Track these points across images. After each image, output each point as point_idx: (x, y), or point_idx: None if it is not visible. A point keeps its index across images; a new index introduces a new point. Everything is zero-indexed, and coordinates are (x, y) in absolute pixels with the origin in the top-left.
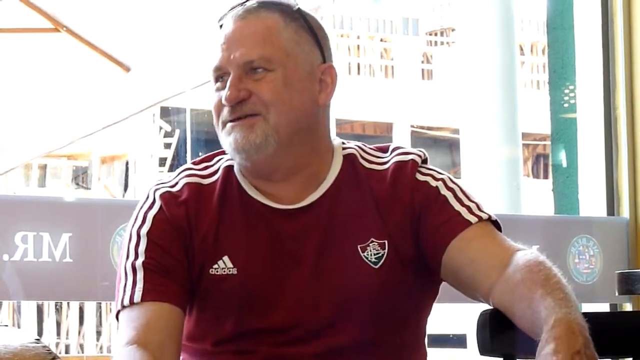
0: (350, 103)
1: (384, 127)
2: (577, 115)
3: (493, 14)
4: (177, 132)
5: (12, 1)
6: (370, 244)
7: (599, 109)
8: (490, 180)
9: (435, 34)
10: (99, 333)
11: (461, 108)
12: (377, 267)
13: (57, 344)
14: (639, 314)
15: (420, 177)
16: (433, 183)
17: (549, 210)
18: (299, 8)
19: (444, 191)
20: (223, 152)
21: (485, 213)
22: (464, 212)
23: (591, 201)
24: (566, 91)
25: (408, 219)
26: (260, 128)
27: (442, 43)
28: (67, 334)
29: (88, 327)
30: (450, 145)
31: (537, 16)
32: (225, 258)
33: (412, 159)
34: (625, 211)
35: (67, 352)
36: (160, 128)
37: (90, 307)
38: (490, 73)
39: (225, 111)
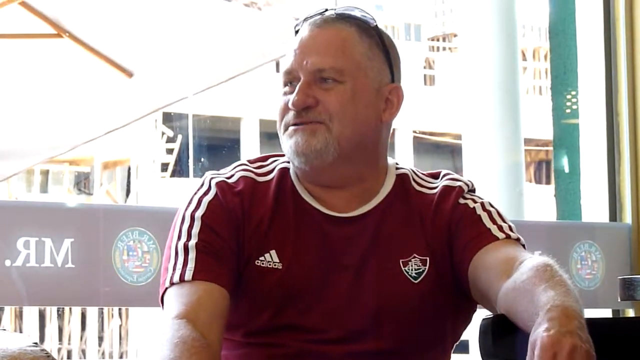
0: None
1: None
2: (579, 121)
3: (495, 19)
4: (180, 137)
5: (14, 7)
6: (412, 259)
7: (601, 114)
8: (493, 185)
9: (438, 40)
10: (100, 339)
11: (463, 114)
12: (416, 281)
13: (59, 350)
14: None
15: (461, 201)
16: (471, 205)
17: (552, 215)
18: (376, 25)
19: (479, 211)
20: (277, 155)
21: (514, 234)
22: (493, 229)
23: (593, 207)
24: (568, 97)
25: (446, 238)
26: (322, 135)
27: (444, 49)
28: (69, 340)
29: (90, 332)
30: (453, 151)
31: (539, 22)
32: (273, 252)
33: (459, 186)
34: (627, 217)
35: (69, 357)
36: (163, 133)
37: (92, 312)
38: (493, 79)
39: (290, 115)
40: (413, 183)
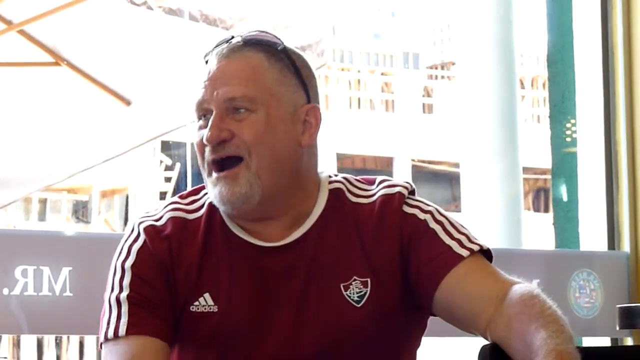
0: (350, 137)
1: (385, 161)
2: (577, 150)
3: (493, 48)
4: (178, 165)
5: (12, 35)
6: (353, 282)
7: (599, 143)
8: (491, 214)
9: (436, 68)
10: None
11: (462, 142)
12: (359, 305)
13: None
14: None
15: (407, 210)
16: (421, 216)
17: (550, 244)
18: (284, 47)
19: (432, 224)
20: None
21: (475, 244)
22: (454, 245)
23: (592, 235)
24: (567, 125)
25: (397, 253)
26: (244, 178)
27: (442, 77)
28: None
29: None
30: (451, 179)
31: (537, 50)
32: (207, 295)
33: (398, 192)
34: (626, 245)
35: None
36: (161, 162)
37: (90, 341)
38: (491, 107)
39: (207, 151)
40: (348, 195)
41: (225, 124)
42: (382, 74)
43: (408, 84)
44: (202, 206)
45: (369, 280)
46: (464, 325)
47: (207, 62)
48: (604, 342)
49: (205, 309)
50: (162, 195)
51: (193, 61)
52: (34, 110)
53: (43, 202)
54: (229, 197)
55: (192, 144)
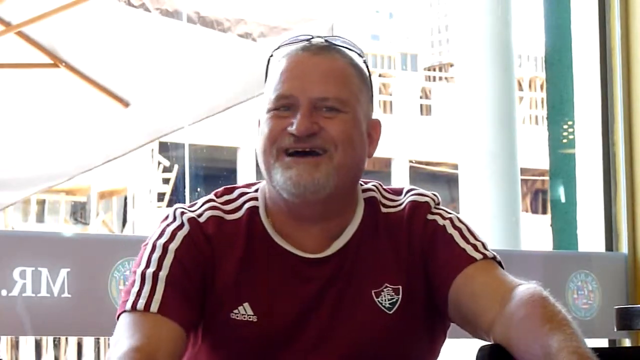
0: None
1: (383, 162)
2: (575, 151)
3: (491, 49)
4: (176, 167)
5: (10, 36)
6: (385, 290)
7: (597, 144)
8: (489, 215)
9: (434, 70)
10: None
11: (460, 143)
12: (390, 312)
13: None
14: (638, 349)
15: (429, 217)
16: (441, 222)
17: (548, 245)
18: (365, 59)
19: (450, 229)
20: (244, 187)
21: (489, 252)
22: (469, 249)
23: (590, 236)
24: (565, 127)
25: (419, 257)
26: (325, 168)
27: (440, 78)
28: None
29: None
30: (449, 181)
31: (535, 52)
32: (246, 305)
33: (426, 201)
34: (623, 246)
35: None
36: (159, 163)
37: (88, 342)
38: (489, 108)
39: (288, 140)
40: (380, 205)
41: (314, 118)
42: (380, 75)
43: (406, 85)
44: (239, 208)
45: (400, 287)
46: (470, 325)
47: (283, 56)
48: (602, 343)
49: (244, 317)
50: (160, 197)
51: (190, 63)
52: (33, 112)
53: (41, 203)
54: (307, 180)
55: (189, 146)
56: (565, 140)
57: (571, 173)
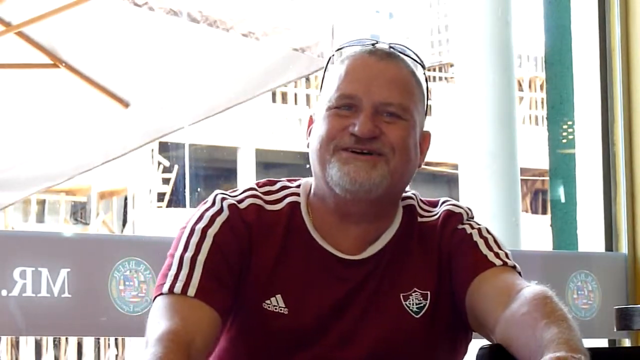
0: None
1: None
2: (575, 151)
3: (491, 49)
4: (176, 167)
5: (10, 37)
6: (413, 294)
7: (597, 144)
8: (489, 215)
9: (434, 70)
10: None
11: (460, 143)
12: (418, 316)
13: None
14: (637, 349)
15: (460, 226)
16: (469, 230)
17: (548, 245)
18: (425, 72)
19: (476, 237)
20: (286, 180)
21: (511, 261)
22: (490, 256)
23: (589, 237)
24: (565, 127)
25: (446, 263)
26: (381, 169)
27: (440, 79)
28: None
29: None
30: (449, 181)
31: (535, 52)
32: (279, 296)
33: (460, 212)
34: (623, 247)
35: None
36: (159, 163)
37: (88, 342)
38: (489, 108)
39: (349, 140)
40: (418, 216)
41: (376, 121)
42: None
43: None
44: (280, 200)
45: (428, 293)
46: (483, 328)
47: (347, 57)
48: (602, 343)
49: (275, 309)
50: (160, 197)
51: (191, 62)
52: (33, 112)
53: (41, 203)
54: (363, 178)
55: (189, 146)
56: (565, 141)
57: (571, 173)
